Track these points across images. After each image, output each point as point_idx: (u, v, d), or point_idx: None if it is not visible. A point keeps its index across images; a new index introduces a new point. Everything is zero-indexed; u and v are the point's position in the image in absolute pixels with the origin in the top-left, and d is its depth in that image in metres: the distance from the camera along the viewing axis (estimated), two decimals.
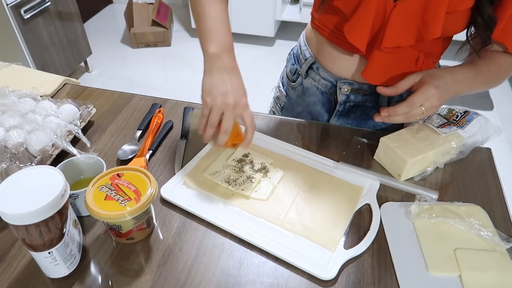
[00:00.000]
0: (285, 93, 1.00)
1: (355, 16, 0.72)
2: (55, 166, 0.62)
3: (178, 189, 0.72)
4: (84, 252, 0.63)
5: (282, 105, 1.02)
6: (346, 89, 0.86)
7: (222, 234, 0.66)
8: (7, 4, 1.94)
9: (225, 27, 0.69)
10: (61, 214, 0.53)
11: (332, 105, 0.91)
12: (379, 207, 0.70)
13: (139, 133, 0.84)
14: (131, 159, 0.78)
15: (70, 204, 0.58)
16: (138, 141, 0.83)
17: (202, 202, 0.70)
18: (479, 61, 0.74)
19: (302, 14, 2.82)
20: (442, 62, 0.86)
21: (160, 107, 0.92)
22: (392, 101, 0.86)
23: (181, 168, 0.77)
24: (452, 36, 0.79)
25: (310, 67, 0.90)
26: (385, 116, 0.72)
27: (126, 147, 0.81)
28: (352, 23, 0.73)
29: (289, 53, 0.99)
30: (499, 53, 0.74)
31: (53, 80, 1.00)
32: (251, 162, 0.77)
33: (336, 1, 0.73)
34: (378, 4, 0.69)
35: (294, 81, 0.96)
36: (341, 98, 0.88)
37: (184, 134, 0.85)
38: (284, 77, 1.01)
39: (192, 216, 0.68)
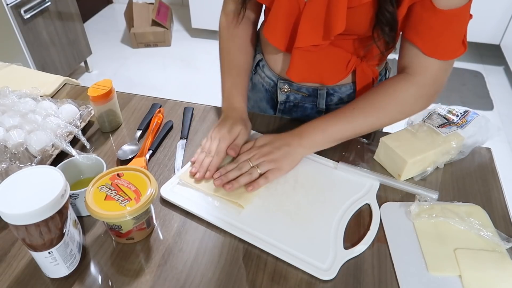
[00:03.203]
0: None
1: (271, 14, 0.75)
2: (55, 166, 0.62)
3: (178, 189, 0.72)
4: (84, 252, 0.63)
5: None
6: (286, 89, 0.88)
7: (222, 234, 0.66)
8: (7, 4, 1.94)
9: (232, 81, 0.83)
10: (61, 214, 0.53)
11: (275, 103, 0.93)
12: (379, 207, 0.70)
13: (139, 133, 0.84)
14: (131, 159, 0.78)
15: (70, 204, 0.58)
16: (138, 141, 0.83)
17: (202, 202, 0.70)
18: (358, 104, 0.74)
19: None
20: None
21: (160, 107, 0.92)
22: (332, 103, 0.87)
23: (181, 168, 0.77)
24: (392, 40, 0.71)
25: (258, 64, 0.92)
26: (219, 184, 0.70)
27: (126, 147, 0.81)
28: (268, 22, 0.77)
29: None
30: (393, 87, 0.73)
31: (53, 80, 1.00)
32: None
33: None
34: (290, 2, 0.71)
35: None
36: (281, 97, 0.90)
37: (184, 134, 0.85)
38: None
39: (192, 216, 0.68)
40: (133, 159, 0.78)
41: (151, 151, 0.80)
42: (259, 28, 0.94)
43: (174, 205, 0.70)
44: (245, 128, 0.77)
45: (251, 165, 0.71)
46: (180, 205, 0.69)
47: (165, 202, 0.71)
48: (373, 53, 0.79)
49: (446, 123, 0.78)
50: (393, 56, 0.81)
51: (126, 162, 0.78)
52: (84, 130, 0.85)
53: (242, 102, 0.81)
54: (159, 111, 0.90)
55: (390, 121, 0.74)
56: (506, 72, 2.80)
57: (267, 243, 0.63)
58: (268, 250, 0.62)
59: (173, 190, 0.72)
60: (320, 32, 0.71)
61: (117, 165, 0.77)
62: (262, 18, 0.90)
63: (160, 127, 0.87)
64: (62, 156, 0.76)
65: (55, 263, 0.57)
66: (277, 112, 0.93)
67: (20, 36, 2.06)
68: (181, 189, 0.72)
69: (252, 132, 0.85)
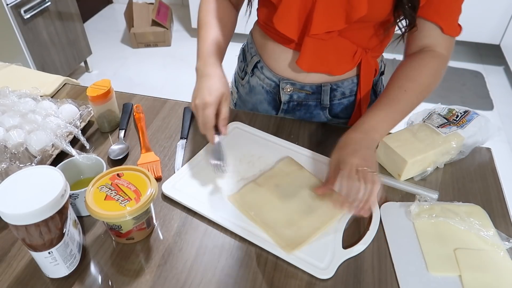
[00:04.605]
0: (236, 90, 1.01)
1: (282, 4, 0.73)
2: (55, 166, 0.62)
3: (180, 186, 0.72)
4: (84, 252, 0.63)
5: (234, 102, 1.03)
6: (288, 89, 0.87)
7: (222, 234, 0.66)
8: (7, 4, 1.94)
9: (209, 43, 0.78)
10: (61, 214, 0.53)
11: (277, 104, 0.92)
12: (379, 207, 0.70)
13: (122, 132, 0.84)
14: (122, 159, 0.79)
15: (70, 204, 0.58)
16: (124, 140, 0.83)
17: (203, 200, 0.70)
18: (393, 84, 0.74)
19: None
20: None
21: (132, 105, 0.92)
22: (335, 99, 0.87)
23: (181, 167, 0.77)
24: (390, 31, 0.79)
25: (255, 66, 0.91)
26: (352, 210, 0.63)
27: (115, 147, 0.81)
28: (280, 12, 0.75)
29: (240, 50, 0.99)
30: (419, 61, 0.74)
31: (53, 80, 1.00)
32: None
33: None
34: None
35: (242, 79, 0.97)
36: (284, 97, 0.89)
37: (184, 134, 0.85)
38: (236, 73, 1.02)
39: (192, 216, 0.68)
40: (141, 156, 0.79)
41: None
42: (251, 30, 0.94)
43: (174, 204, 0.70)
44: (226, 87, 0.71)
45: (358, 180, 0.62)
46: (181, 202, 0.69)
47: (166, 201, 0.71)
48: (378, 44, 0.80)
49: (446, 123, 0.78)
50: (392, 56, 0.81)
51: (119, 161, 0.78)
52: (84, 130, 0.85)
53: (219, 62, 0.76)
54: (137, 107, 0.91)
55: (429, 94, 0.76)
56: (506, 72, 2.80)
57: (267, 241, 0.63)
58: (267, 248, 0.62)
59: (174, 187, 0.72)
60: (341, 16, 0.71)
61: (110, 166, 0.77)
62: (254, 19, 0.90)
63: (142, 122, 0.87)
64: (62, 156, 0.76)
65: (55, 263, 0.57)
66: (279, 112, 0.93)
67: (20, 36, 2.06)
68: (183, 186, 0.72)
69: (253, 129, 0.85)
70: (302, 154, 0.80)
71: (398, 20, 0.71)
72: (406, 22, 0.72)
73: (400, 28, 0.73)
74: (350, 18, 0.70)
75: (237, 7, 0.88)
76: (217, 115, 0.70)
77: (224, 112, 0.70)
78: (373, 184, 0.61)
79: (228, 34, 0.84)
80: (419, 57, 0.75)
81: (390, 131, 0.74)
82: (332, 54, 0.79)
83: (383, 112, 0.71)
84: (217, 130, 0.71)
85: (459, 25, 0.74)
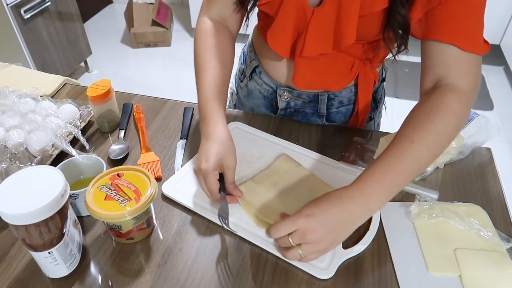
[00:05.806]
0: (236, 91, 1.01)
1: (276, 22, 0.71)
2: (55, 166, 0.62)
3: (180, 186, 0.72)
4: (84, 252, 0.63)
5: (234, 103, 1.03)
6: (286, 96, 0.87)
7: (222, 233, 0.66)
8: (7, 4, 1.94)
9: (209, 95, 0.71)
10: (61, 214, 0.53)
11: (275, 109, 0.91)
12: None
13: (122, 132, 0.84)
14: (122, 159, 0.79)
15: (70, 204, 0.58)
16: (124, 140, 0.83)
17: (203, 200, 0.70)
18: (400, 134, 0.61)
19: None
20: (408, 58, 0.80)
21: (132, 105, 0.92)
22: (332, 107, 0.86)
23: (181, 167, 0.77)
24: (404, 42, 0.67)
25: (254, 70, 0.90)
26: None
27: (116, 147, 0.81)
28: (273, 29, 0.73)
29: (241, 51, 0.98)
30: (432, 102, 0.62)
31: (53, 80, 1.00)
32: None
33: (260, 5, 0.71)
34: (297, 10, 0.68)
35: (241, 81, 0.96)
36: (281, 104, 0.89)
37: (184, 134, 0.85)
38: (236, 75, 1.01)
39: (192, 215, 0.68)
40: (141, 156, 0.79)
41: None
42: (252, 34, 0.93)
43: (174, 204, 0.70)
44: (226, 150, 0.65)
45: (292, 243, 0.57)
46: (181, 202, 0.69)
47: (166, 201, 0.71)
48: (376, 56, 0.79)
49: None
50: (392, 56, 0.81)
51: (119, 161, 0.78)
52: (84, 130, 0.85)
53: (221, 118, 0.69)
54: (137, 107, 0.91)
55: (450, 143, 0.65)
56: (506, 72, 2.80)
57: (268, 242, 0.63)
58: (268, 249, 0.62)
59: (174, 187, 0.72)
60: (329, 41, 0.69)
61: (111, 166, 0.77)
62: (254, 23, 0.88)
63: (142, 122, 0.87)
64: (62, 156, 0.76)
65: (55, 263, 0.57)
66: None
67: (20, 36, 2.06)
68: (183, 186, 0.72)
69: (253, 129, 0.85)
70: (302, 154, 0.80)
71: (389, 41, 0.68)
72: (397, 43, 0.67)
73: (390, 50, 0.70)
74: (338, 45, 0.69)
75: (235, 34, 0.83)
76: (222, 174, 0.66)
77: (229, 178, 0.66)
78: (305, 258, 0.58)
79: (229, 73, 0.77)
80: (432, 96, 0.62)
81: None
82: (328, 69, 0.78)
83: (381, 176, 0.58)
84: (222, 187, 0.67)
85: (486, 42, 0.62)
